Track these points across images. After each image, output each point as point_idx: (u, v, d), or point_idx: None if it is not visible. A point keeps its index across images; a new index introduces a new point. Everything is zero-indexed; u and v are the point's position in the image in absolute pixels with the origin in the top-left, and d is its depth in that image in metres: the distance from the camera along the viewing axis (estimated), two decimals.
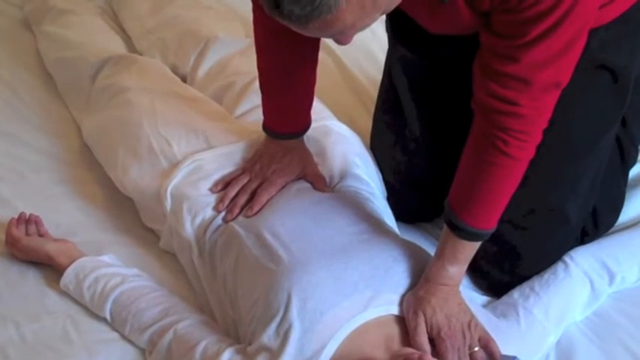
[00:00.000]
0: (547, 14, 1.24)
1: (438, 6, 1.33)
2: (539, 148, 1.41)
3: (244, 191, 1.70)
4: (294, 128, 1.75)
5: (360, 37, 2.47)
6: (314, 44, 1.65)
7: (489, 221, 1.48)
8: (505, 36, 1.30)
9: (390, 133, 1.89)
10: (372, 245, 1.57)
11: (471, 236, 1.48)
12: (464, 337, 1.46)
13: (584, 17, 1.28)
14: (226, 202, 1.69)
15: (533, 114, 1.35)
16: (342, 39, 1.21)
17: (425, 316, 1.45)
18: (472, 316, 1.50)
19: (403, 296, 1.49)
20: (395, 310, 1.48)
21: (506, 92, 1.33)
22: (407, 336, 1.46)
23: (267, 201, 1.68)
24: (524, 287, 1.68)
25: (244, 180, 1.72)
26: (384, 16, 1.63)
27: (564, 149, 1.60)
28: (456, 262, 1.49)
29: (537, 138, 1.39)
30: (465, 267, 1.52)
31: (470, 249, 1.50)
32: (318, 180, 1.74)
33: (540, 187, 1.61)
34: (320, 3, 1.08)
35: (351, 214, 1.65)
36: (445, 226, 1.50)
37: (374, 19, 1.17)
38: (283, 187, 1.72)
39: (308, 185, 1.74)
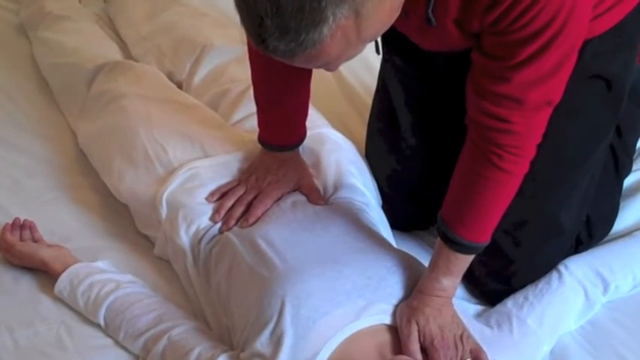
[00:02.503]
0: (536, 37, 1.24)
1: (427, 27, 1.33)
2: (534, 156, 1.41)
3: (240, 203, 1.70)
4: (289, 141, 1.75)
5: None
6: None
7: (483, 235, 1.48)
8: (495, 57, 1.30)
9: (385, 141, 1.89)
10: (366, 255, 1.57)
11: (464, 249, 1.48)
12: (456, 348, 1.46)
13: (574, 37, 1.28)
14: (222, 213, 1.69)
15: (526, 131, 1.36)
16: (328, 68, 1.22)
17: (418, 325, 1.45)
18: (464, 328, 1.50)
19: (396, 307, 1.49)
20: (387, 320, 1.48)
21: (499, 110, 1.33)
22: (399, 345, 1.46)
23: (263, 213, 1.69)
24: (518, 296, 1.68)
25: (240, 191, 1.72)
26: None
27: (559, 158, 1.60)
28: (449, 274, 1.49)
29: (531, 153, 1.40)
30: (458, 279, 1.52)
31: (463, 262, 1.50)
32: (313, 192, 1.74)
33: (535, 195, 1.61)
34: (304, 39, 1.09)
35: (346, 225, 1.65)
36: (438, 239, 1.50)
37: (359, 50, 1.19)
38: (279, 199, 1.72)
39: (303, 198, 1.74)
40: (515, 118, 1.33)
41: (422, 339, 1.45)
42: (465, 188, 1.44)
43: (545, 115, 1.36)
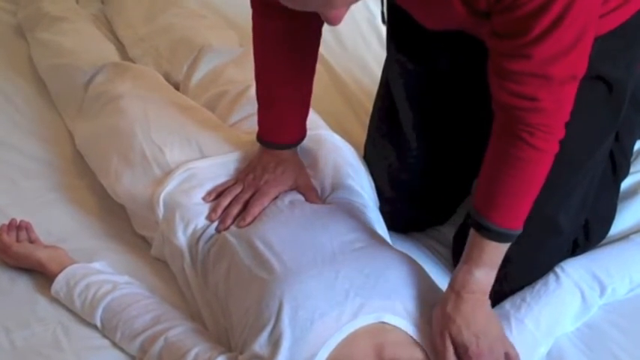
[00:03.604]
0: (544, 9, 1.24)
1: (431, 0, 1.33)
2: None
3: (237, 201, 1.70)
4: (288, 139, 1.75)
5: (353, 47, 2.50)
6: (312, 55, 1.66)
7: (516, 220, 1.46)
8: (509, 35, 1.30)
9: (386, 142, 1.89)
10: (364, 254, 1.57)
11: (497, 236, 1.46)
12: (492, 353, 1.45)
13: (586, 12, 1.28)
14: (219, 211, 1.69)
15: (554, 107, 1.36)
16: (330, 17, 1.21)
17: (451, 335, 1.44)
18: (500, 329, 1.49)
19: (394, 303, 1.48)
20: (385, 318, 1.46)
21: (524, 89, 1.33)
22: (398, 344, 1.45)
23: (260, 212, 1.68)
24: (516, 298, 1.68)
25: (237, 190, 1.72)
26: (382, 25, 1.64)
27: (560, 159, 1.59)
28: (482, 264, 1.47)
29: (560, 132, 1.40)
30: (492, 273, 1.50)
31: (496, 251, 1.48)
32: (311, 192, 1.75)
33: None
34: None
35: (344, 224, 1.65)
36: (471, 230, 1.48)
37: None
38: (276, 198, 1.72)
39: (301, 197, 1.74)
40: (542, 95, 1.33)
41: (455, 349, 1.44)
42: (496, 172, 1.43)
43: (572, 89, 1.36)
